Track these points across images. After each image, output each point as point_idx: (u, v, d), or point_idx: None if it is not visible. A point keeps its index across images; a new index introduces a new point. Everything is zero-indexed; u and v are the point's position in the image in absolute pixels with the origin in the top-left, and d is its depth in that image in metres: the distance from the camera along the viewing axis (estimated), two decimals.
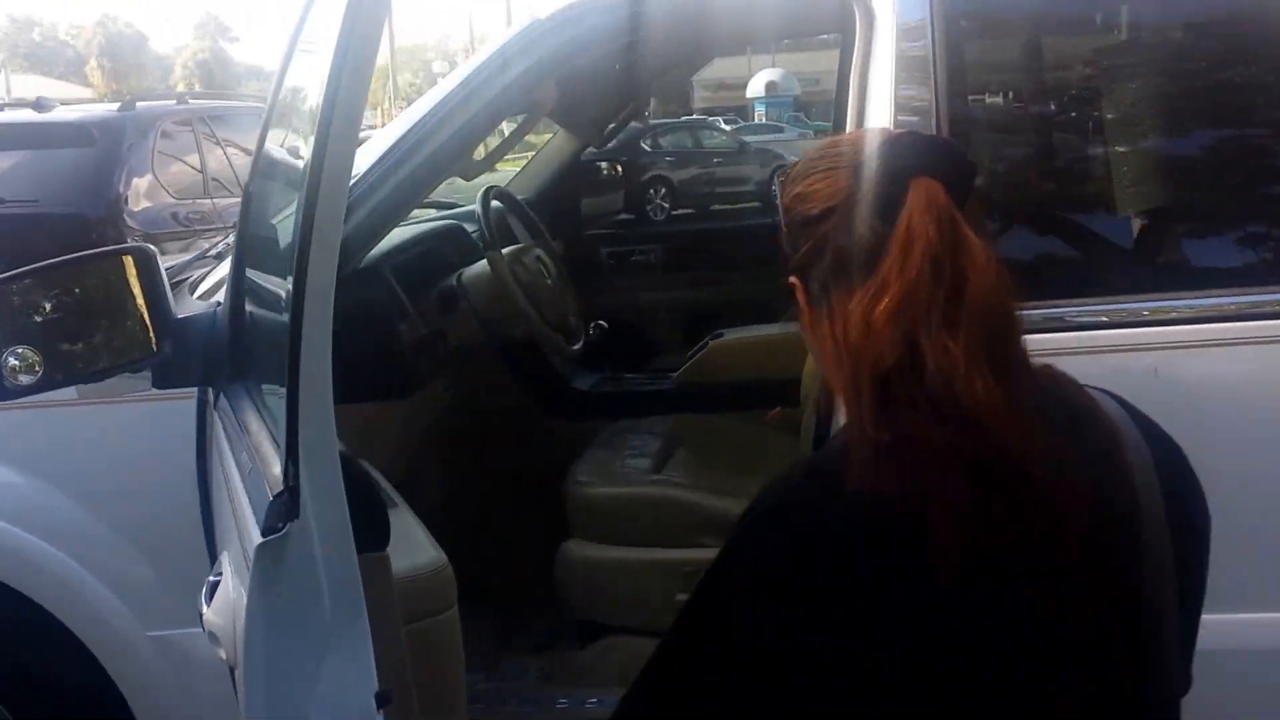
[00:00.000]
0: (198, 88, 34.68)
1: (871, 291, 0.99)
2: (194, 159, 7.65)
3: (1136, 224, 2.06)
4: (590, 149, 4.27)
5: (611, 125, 4.06)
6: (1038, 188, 2.14)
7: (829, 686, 0.97)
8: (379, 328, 2.40)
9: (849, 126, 2.12)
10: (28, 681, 2.31)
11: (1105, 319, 1.92)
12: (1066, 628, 0.96)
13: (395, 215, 2.33)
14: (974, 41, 2.11)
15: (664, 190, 14.65)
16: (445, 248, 2.89)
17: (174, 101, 8.17)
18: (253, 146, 2.44)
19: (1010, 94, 2.24)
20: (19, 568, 2.23)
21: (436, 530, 3.19)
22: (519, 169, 4.23)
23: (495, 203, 2.95)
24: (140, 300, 2.00)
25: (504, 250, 2.78)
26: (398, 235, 2.89)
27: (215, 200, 7.44)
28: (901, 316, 0.97)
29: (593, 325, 3.27)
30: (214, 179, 7.59)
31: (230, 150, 7.85)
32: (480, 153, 2.61)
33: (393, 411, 2.44)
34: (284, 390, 1.28)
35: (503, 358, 3.04)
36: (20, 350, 1.87)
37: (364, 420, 2.38)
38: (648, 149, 15.30)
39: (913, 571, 0.94)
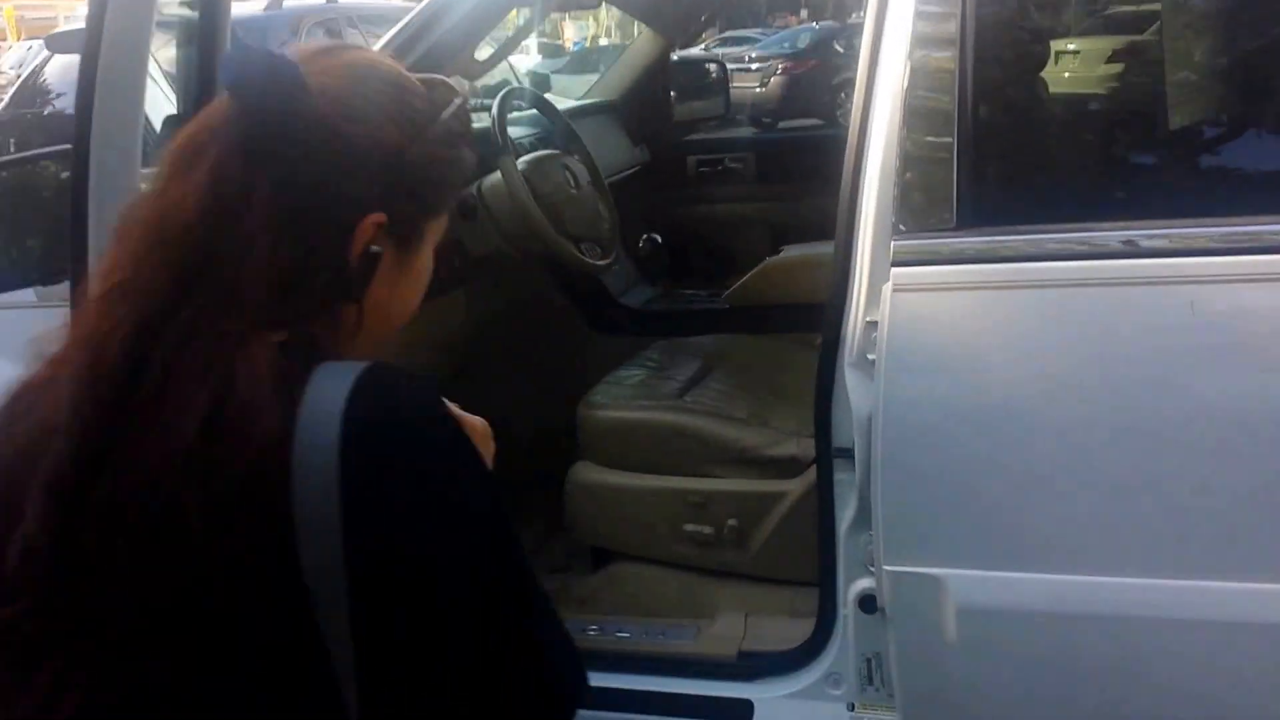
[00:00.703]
0: None
1: None
2: None
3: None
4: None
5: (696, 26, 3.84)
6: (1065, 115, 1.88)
7: None
8: None
9: (864, 53, 1.90)
10: None
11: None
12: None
13: None
14: None
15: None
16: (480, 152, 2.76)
17: (323, 0, 8.22)
18: None
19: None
20: None
21: None
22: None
23: (520, 104, 2.80)
24: None
25: (527, 157, 2.65)
26: None
27: None
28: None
29: (644, 238, 3.11)
30: None
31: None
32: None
33: None
34: None
35: (550, 271, 2.92)
36: None
37: None
38: (840, 50, 14.68)
39: None
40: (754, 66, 13.30)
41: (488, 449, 1.12)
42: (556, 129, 2.94)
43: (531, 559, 2.61)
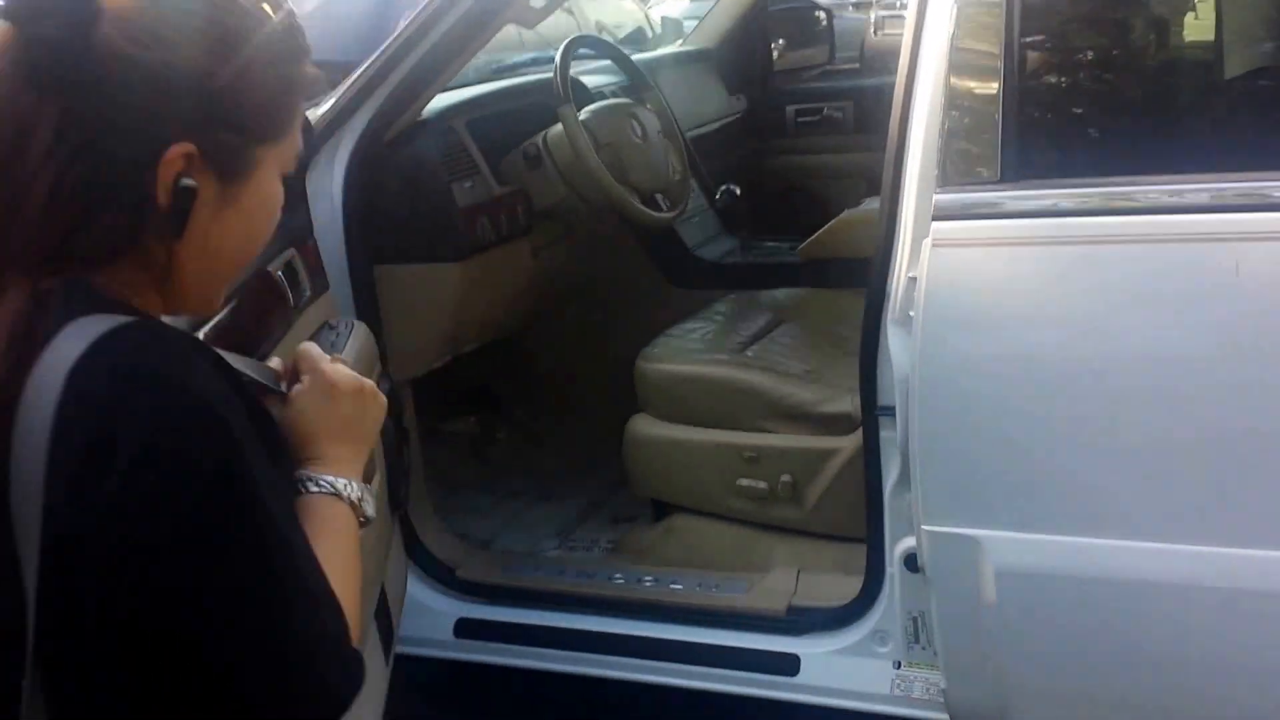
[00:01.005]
0: None
1: None
2: None
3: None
4: None
5: None
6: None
7: None
8: (428, 185, 2.33)
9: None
10: None
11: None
12: None
13: (443, 65, 2.25)
14: None
15: None
16: (550, 102, 2.76)
17: None
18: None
19: None
20: None
21: (518, 397, 3.18)
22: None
23: (586, 52, 2.78)
24: None
25: (592, 106, 2.64)
26: (485, 88, 2.80)
27: None
28: None
29: (721, 189, 3.07)
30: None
31: None
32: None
33: (448, 274, 2.38)
34: None
35: (625, 222, 2.90)
36: None
37: (412, 281, 2.35)
38: None
39: None
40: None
41: (364, 410, 1.04)
42: (629, 77, 2.92)
43: (596, 509, 2.63)
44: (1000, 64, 1.70)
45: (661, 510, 2.54)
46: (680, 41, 4.16)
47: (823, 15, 4.49)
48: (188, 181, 0.86)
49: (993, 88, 1.71)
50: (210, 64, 0.87)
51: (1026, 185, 1.69)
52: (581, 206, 2.61)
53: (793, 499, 2.28)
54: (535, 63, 3.30)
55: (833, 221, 2.88)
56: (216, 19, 0.88)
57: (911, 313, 1.75)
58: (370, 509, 1.01)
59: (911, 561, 1.90)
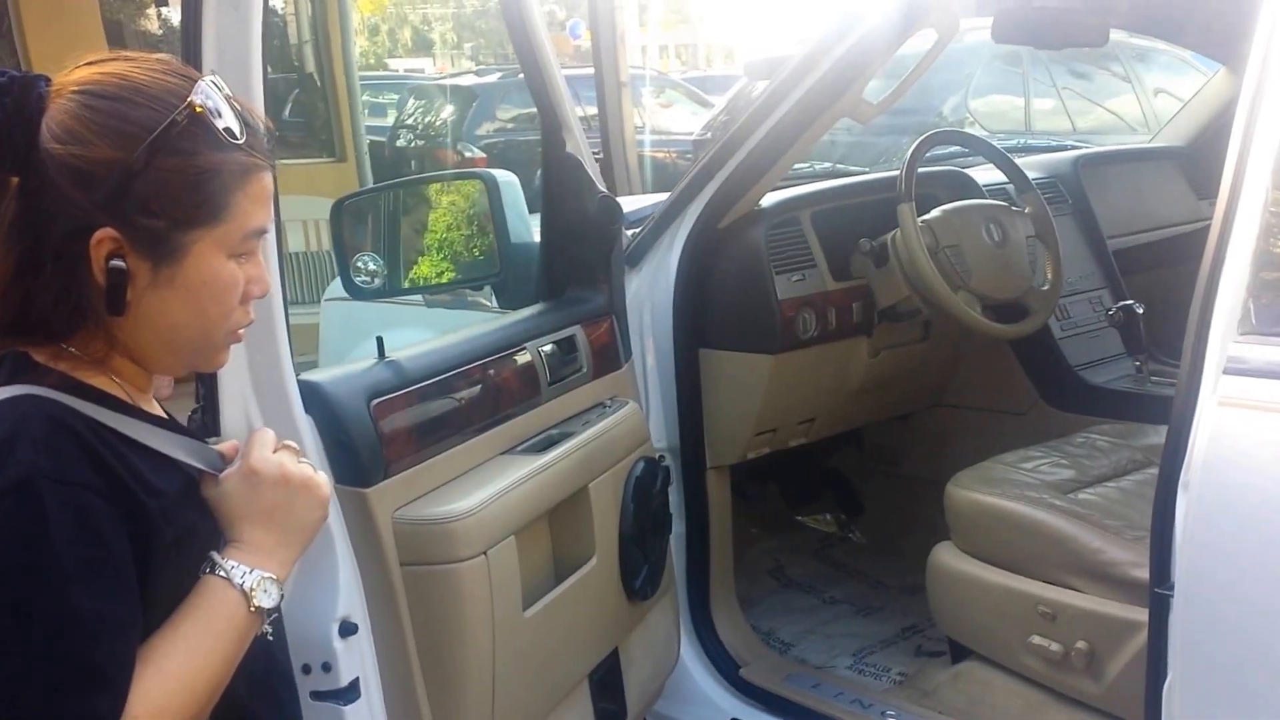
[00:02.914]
0: None
1: None
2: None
3: None
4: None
5: None
6: None
7: None
8: (750, 275, 2.31)
9: (1242, 104, 1.55)
10: None
11: None
12: None
13: (773, 158, 2.23)
14: None
15: None
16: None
17: None
18: None
19: None
20: None
21: (883, 502, 2.99)
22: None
23: (948, 149, 2.59)
24: (487, 222, 2.15)
25: (946, 205, 2.46)
26: (843, 180, 2.72)
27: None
28: None
29: (1116, 307, 2.72)
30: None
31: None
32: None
33: (761, 365, 2.32)
34: None
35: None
36: (367, 256, 2.13)
37: (728, 369, 2.33)
38: None
39: None
40: None
41: (290, 500, 1.06)
42: (1007, 176, 2.69)
43: (906, 636, 2.46)
44: None
45: (960, 652, 2.29)
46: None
47: None
48: (116, 263, 0.96)
49: None
50: (118, 154, 0.95)
51: None
52: (925, 309, 2.45)
53: (1088, 670, 1.96)
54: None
55: None
56: (125, 113, 0.96)
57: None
58: (267, 599, 1.02)
59: None
